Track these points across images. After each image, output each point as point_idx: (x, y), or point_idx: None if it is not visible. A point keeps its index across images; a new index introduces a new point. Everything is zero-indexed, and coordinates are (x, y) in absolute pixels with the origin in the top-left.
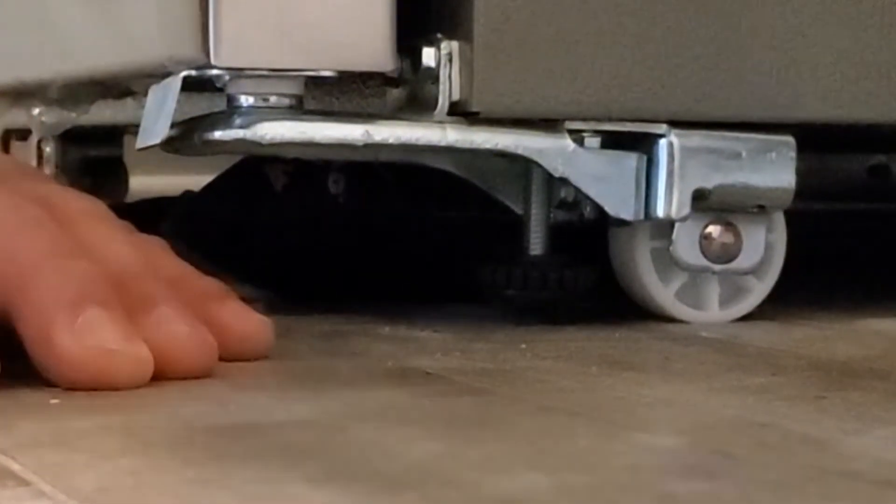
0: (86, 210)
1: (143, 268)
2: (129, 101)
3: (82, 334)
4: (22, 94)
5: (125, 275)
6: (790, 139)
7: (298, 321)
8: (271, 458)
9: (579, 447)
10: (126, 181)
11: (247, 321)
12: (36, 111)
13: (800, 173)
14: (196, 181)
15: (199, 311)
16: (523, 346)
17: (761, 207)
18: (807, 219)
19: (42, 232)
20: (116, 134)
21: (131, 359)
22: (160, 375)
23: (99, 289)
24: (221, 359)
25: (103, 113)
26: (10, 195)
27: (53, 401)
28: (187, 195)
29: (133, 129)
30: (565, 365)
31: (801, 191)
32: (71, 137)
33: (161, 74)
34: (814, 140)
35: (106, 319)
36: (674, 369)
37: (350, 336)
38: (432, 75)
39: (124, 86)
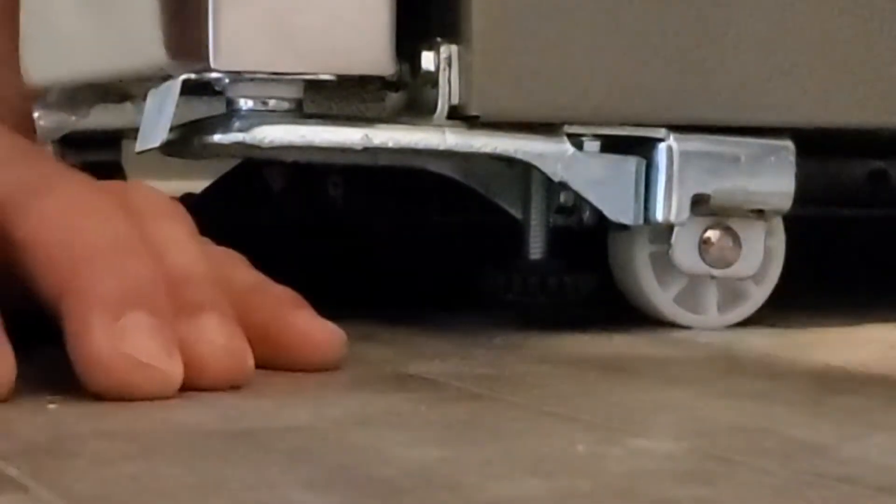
0: (161, 208)
1: (203, 273)
2: (128, 105)
3: (118, 339)
4: None
5: (182, 278)
6: (789, 143)
7: None
8: (270, 463)
9: (577, 452)
10: None
11: (320, 330)
12: (35, 115)
13: (799, 179)
14: (195, 186)
15: (273, 315)
16: (522, 351)
17: (760, 212)
18: (805, 225)
19: (107, 223)
20: (115, 139)
21: (160, 374)
22: (188, 385)
23: (148, 291)
24: (294, 368)
25: (102, 117)
26: (87, 185)
27: (51, 405)
28: (186, 198)
29: (132, 133)
30: (564, 370)
31: (800, 197)
32: (70, 142)
33: (160, 78)
34: (813, 146)
35: (146, 326)
36: (672, 375)
37: (349, 342)
38: (431, 79)
39: (123, 90)
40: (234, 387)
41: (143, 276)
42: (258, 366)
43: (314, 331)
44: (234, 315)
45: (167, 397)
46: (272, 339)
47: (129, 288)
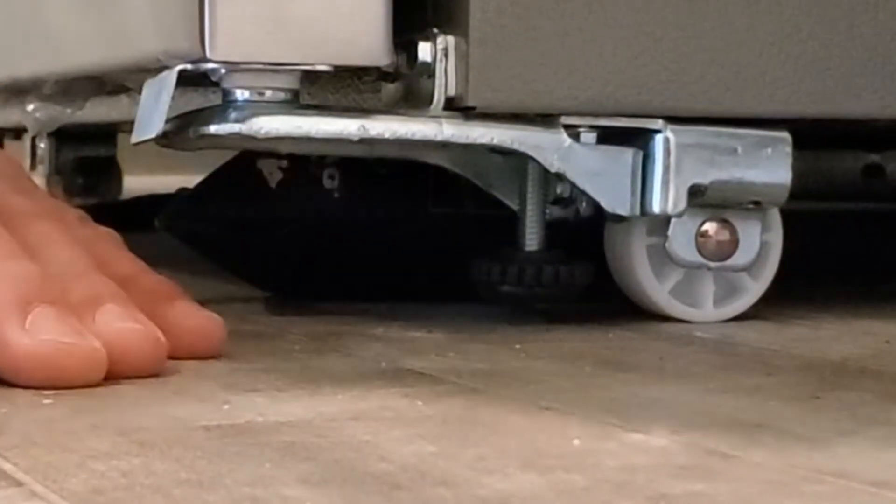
0: (30, 209)
1: (87, 267)
2: (123, 98)
3: (34, 331)
4: (16, 92)
5: (69, 275)
6: (786, 135)
7: (292, 322)
8: (265, 459)
9: (573, 447)
10: (120, 180)
11: (196, 319)
12: (30, 107)
13: (795, 174)
14: (189, 181)
15: (148, 308)
16: (517, 346)
17: (757, 204)
18: (801, 219)
19: None
20: (110, 133)
21: (86, 351)
22: (111, 373)
23: (44, 288)
24: (172, 357)
25: (97, 110)
26: None
27: (46, 401)
28: (182, 192)
29: (127, 127)
30: (559, 365)
31: (796, 191)
32: (65, 137)
33: (156, 69)
34: (808, 140)
35: (55, 316)
36: (668, 369)
37: (344, 336)
38: (428, 70)
39: (119, 82)
40: (154, 373)
41: (33, 276)
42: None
43: (189, 320)
44: (130, 300)
45: (96, 380)
46: None
47: (25, 288)
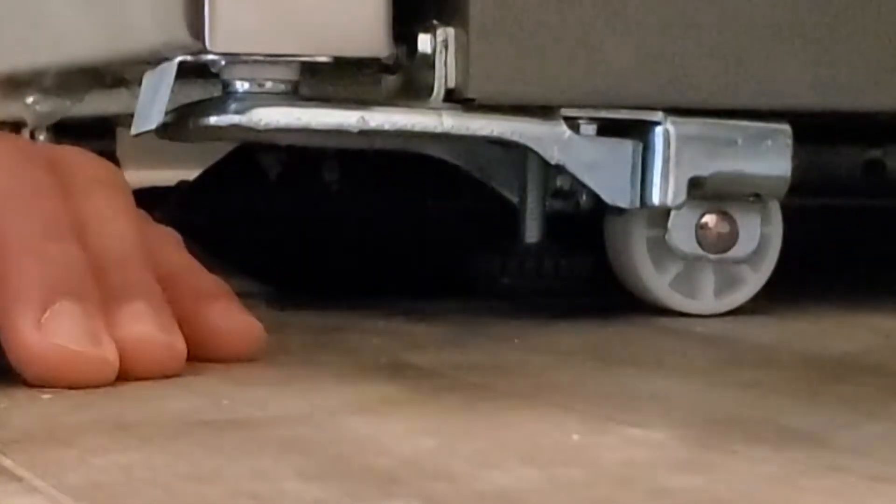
0: (96, 179)
1: (134, 253)
2: (123, 91)
3: (48, 330)
4: (15, 85)
5: (111, 260)
6: (786, 127)
7: (292, 316)
8: (264, 453)
9: (573, 442)
10: None
11: (233, 322)
12: (30, 100)
13: (795, 169)
14: (189, 174)
15: (189, 307)
16: (517, 340)
17: (757, 196)
18: (802, 214)
19: (36, 205)
20: (109, 127)
21: (94, 361)
22: (121, 376)
23: (75, 277)
24: (208, 359)
25: (97, 103)
26: (15, 154)
27: (45, 396)
28: (182, 185)
29: (126, 120)
30: (559, 359)
31: (797, 186)
32: (64, 131)
33: (156, 61)
34: (809, 135)
35: (74, 315)
36: (667, 364)
37: (344, 331)
38: (428, 62)
39: (118, 74)
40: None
41: (69, 262)
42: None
43: (227, 325)
44: (164, 301)
45: (105, 385)
46: (184, 331)
47: (54, 276)
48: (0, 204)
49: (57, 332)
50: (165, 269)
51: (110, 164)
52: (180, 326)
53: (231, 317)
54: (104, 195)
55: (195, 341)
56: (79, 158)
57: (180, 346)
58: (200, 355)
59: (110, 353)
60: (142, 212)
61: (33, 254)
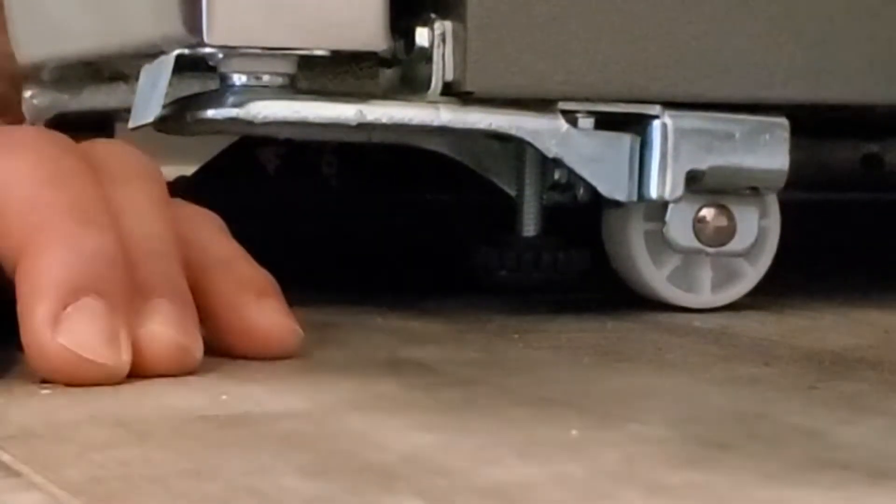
0: (132, 169)
1: (164, 247)
2: (120, 85)
3: (60, 329)
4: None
5: (141, 252)
6: (784, 120)
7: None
8: (263, 449)
9: (572, 437)
10: None
11: (270, 320)
12: (28, 94)
13: (793, 163)
14: (187, 169)
15: (229, 300)
16: (515, 336)
17: (755, 189)
18: (800, 209)
19: (69, 188)
20: (107, 122)
21: (102, 370)
22: (131, 372)
23: (102, 270)
24: (241, 355)
25: (95, 98)
26: (50, 144)
27: (44, 391)
28: (180, 180)
29: (124, 115)
30: (558, 355)
31: (794, 181)
32: (62, 125)
33: (154, 54)
34: (807, 129)
35: (95, 313)
36: (666, 360)
37: (342, 327)
38: (426, 55)
39: (115, 68)
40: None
41: (101, 253)
42: (207, 347)
43: (265, 323)
44: (188, 299)
45: (118, 383)
46: (222, 323)
47: (83, 268)
48: (35, 192)
49: (69, 332)
50: (210, 259)
51: (146, 156)
52: (217, 318)
53: (270, 315)
54: (139, 186)
55: (230, 335)
56: (114, 149)
57: (196, 348)
58: (234, 350)
59: (119, 360)
60: (181, 201)
61: (66, 244)
